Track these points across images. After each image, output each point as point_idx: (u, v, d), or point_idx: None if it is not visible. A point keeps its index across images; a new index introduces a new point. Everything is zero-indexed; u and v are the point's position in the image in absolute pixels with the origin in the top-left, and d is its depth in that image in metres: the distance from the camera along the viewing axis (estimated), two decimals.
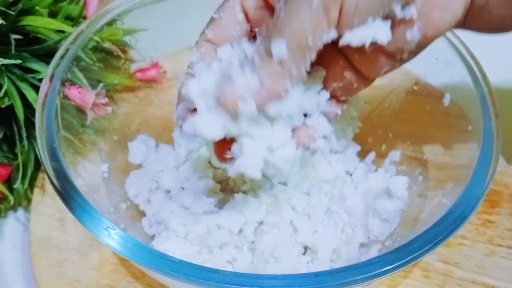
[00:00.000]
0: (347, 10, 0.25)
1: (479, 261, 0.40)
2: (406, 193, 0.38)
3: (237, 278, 0.28)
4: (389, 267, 0.28)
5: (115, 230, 0.30)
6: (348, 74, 0.30)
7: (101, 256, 0.40)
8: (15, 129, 0.42)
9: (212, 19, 0.31)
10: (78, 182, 0.33)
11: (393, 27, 0.26)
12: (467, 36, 0.39)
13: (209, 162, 0.42)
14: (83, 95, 0.39)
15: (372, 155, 0.44)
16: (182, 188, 0.40)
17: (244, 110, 0.26)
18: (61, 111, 0.36)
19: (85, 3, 0.44)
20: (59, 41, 0.41)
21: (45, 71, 0.40)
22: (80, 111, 0.40)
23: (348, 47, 0.26)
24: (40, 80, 0.39)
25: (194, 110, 0.28)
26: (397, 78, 0.45)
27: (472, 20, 0.28)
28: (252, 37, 0.31)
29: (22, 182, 0.43)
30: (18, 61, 0.40)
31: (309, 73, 0.28)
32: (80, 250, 0.40)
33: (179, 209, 0.38)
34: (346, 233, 0.38)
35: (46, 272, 0.39)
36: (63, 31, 0.42)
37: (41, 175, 0.45)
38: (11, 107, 0.40)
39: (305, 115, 0.30)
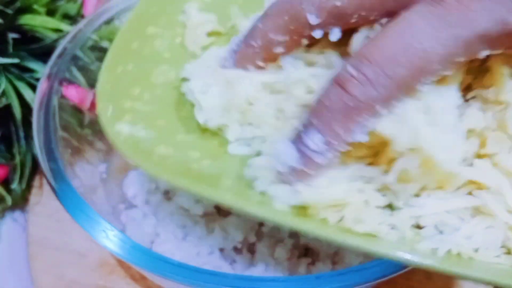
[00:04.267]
0: None
1: None
2: None
3: (237, 281, 0.28)
4: (390, 270, 0.28)
5: (113, 231, 0.30)
6: None
7: (100, 258, 0.40)
8: (13, 129, 0.42)
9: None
10: (76, 183, 0.33)
11: None
12: None
13: None
14: (81, 94, 0.39)
15: None
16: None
17: None
18: (59, 110, 0.36)
19: (83, 2, 0.44)
20: (57, 40, 0.41)
21: (42, 70, 0.40)
22: (78, 110, 0.40)
23: None
24: (38, 80, 0.39)
25: None
26: None
27: None
28: None
29: (20, 183, 0.42)
30: (15, 60, 0.39)
31: None
32: (78, 252, 0.40)
33: (178, 210, 0.38)
34: None
35: (44, 273, 0.39)
36: (61, 30, 0.42)
37: (38, 176, 0.44)
38: (8, 107, 0.40)
39: None
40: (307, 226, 0.22)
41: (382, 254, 0.22)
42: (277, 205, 0.23)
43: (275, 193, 0.23)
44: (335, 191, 0.22)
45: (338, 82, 0.22)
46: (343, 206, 0.23)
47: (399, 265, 0.29)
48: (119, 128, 0.26)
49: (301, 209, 0.23)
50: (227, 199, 0.24)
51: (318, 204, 0.22)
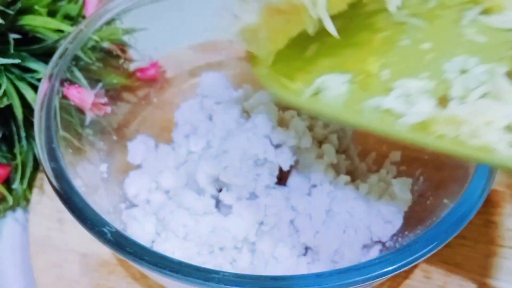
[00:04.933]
0: None
1: (480, 262, 0.39)
2: (409, 195, 0.38)
3: (237, 279, 0.28)
4: (390, 268, 0.28)
5: (114, 230, 0.30)
6: None
7: (100, 257, 0.40)
8: (14, 129, 0.42)
9: None
10: (77, 183, 0.33)
11: None
12: None
13: None
14: (82, 94, 0.39)
15: (372, 155, 0.44)
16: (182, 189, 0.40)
17: None
18: (60, 111, 0.36)
19: (84, 3, 0.44)
20: (58, 41, 0.41)
21: (44, 70, 0.40)
22: (79, 111, 0.40)
23: None
24: (39, 80, 0.39)
25: None
26: None
27: None
28: None
29: (21, 182, 0.43)
30: (17, 61, 0.40)
31: None
32: (79, 251, 0.40)
33: (178, 209, 0.38)
34: (348, 234, 0.38)
35: (45, 273, 0.39)
36: (62, 31, 0.42)
37: (40, 175, 0.44)
38: (9, 107, 0.40)
39: None
40: (426, 139, 0.26)
41: (491, 162, 0.25)
42: (401, 123, 0.26)
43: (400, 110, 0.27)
44: (456, 110, 0.25)
45: None
46: (461, 123, 0.25)
47: (398, 264, 0.29)
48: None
49: (420, 127, 0.26)
50: (361, 119, 0.27)
51: (439, 121, 0.25)
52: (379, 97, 0.27)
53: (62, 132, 0.36)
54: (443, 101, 0.27)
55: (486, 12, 0.30)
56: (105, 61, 0.43)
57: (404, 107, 0.27)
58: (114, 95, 0.44)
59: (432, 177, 0.39)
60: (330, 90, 0.28)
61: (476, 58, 0.28)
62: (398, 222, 0.38)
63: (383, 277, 0.29)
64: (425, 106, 0.26)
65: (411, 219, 0.37)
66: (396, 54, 0.30)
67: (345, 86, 0.28)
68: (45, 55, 0.41)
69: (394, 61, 0.29)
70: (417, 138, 0.26)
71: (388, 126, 0.26)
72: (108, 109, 0.42)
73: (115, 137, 0.43)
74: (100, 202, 0.37)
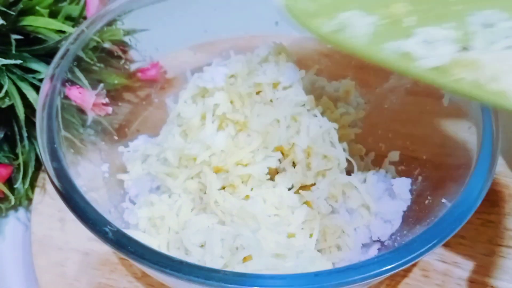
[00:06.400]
0: None
1: (478, 261, 0.40)
2: (409, 195, 0.38)
3: (237, 278, 0.28)
4: (388, 267, 0.29)
5: (115, 230, 0.30)
6: None
7: (102, 256, 0.40)
8: (16, 129, 0.42)
9: None
10: (79, 182, 0.33)
11: None
12: None
13: None
14: (83, 95, 0.39)
15: (371, 155, 0.44)
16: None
17: None
18: (62, 111, 0.37)
19: (85, 3, 0.44)
20: (59, 41, 0.41)
21: (45, 71, 0.40)
22: (81, 111, 0.40)
23: None
24: (41, 80, 0.39)
25: None
26: (397, 78, 0.45)
27: None
28: None
29: (23, 182, 0.43)
30: (18, 61, 0.40)
31: None
32: (80, 250, 0.40)
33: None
34: (348, 233, 0.38)
35: (46, 271, 0.40)
36: (63, 31, 0.42)
37: (41, 175, 0.45)
38: (11, 107, 0.40)
39: None
40: (443, 80, 0.26)
41: (507, 108, 0.24)
42: (419, 65, 0.27)
43: (420, 53, 0.27)
44: (479, 54, 0.25)
45: None
46: (483, 67, 0.25)
47: (397, 263, 0.29)
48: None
49: (439, 70, 0.26)
50: (380, 56, 0.28)
51: (459, 64, 0.25)
52: (401, 40, 0.27)
53: (63, 132, 0.36)
54: (465, 51, 0.27)
55: None
56: (106, 61, 0.44)
57: (424, 51, 0.27)
58: (115, 95, 0.45)
59: (430, 177, 0.39)
60: (354, 28, 0.29)
61: (505, 13, 0.27)
62: (397, 221, 0.38)
63: (382, 276, 0.29)
64: (446, 50, 0.26)
65: (410, 218, 0.38)
66: (424, 2, 0.30)
67: (369, 28, 0.29)
68: (47, 56, 0.41)
69: (421, 9, 0.29)
70: (434, 79, 0.26)
71: (406, 66, 0.27)
72: (109, 109, 0.42)
73: (116, 137, 0.44)
74: (101, 202, 0.37)
